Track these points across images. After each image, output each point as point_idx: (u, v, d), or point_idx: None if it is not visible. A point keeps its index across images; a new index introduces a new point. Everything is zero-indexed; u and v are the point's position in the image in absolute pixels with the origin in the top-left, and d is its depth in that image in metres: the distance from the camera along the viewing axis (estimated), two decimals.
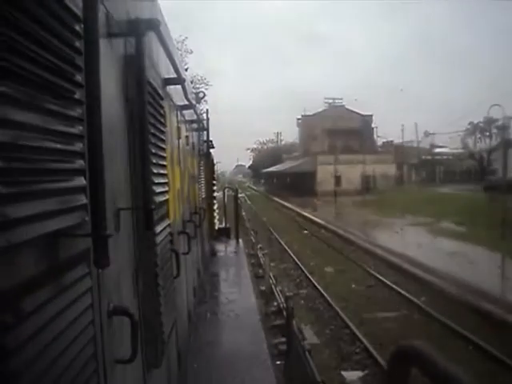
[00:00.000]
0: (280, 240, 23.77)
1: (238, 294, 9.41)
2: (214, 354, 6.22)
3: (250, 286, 10.18)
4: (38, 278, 1.34)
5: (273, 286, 12.26)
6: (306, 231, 27.52)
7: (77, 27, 1.63)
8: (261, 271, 14.47)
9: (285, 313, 8.01)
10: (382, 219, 29.01)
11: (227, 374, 5.66)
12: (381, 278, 15.20)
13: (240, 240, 16.29)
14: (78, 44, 1.65)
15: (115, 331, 2.17)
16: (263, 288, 12.24)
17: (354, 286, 14.66)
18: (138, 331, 2.24)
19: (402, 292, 13.34)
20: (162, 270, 3.26)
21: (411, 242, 20.49)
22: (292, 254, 19.71)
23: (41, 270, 1.37)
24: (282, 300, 10.50)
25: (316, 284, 14.68)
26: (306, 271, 16.55)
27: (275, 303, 11.18)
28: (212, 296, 9.30)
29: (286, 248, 21.33)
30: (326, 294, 13.32)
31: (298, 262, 18.07)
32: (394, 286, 14.01)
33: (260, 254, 16.23)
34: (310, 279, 15.52)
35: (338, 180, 50.97)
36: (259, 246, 17.25)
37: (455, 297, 12.28)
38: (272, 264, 16.38)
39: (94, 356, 1.72)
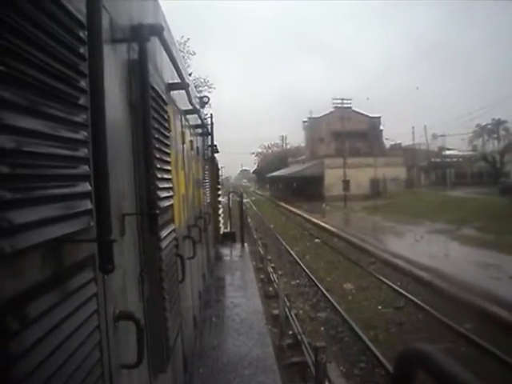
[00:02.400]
0: (290, 250, 21.40)
1: (243, 297, 9.40)
2: (219, 359, 6.21)
3: (256, 290, 10.18)
4: (44, 283, 1.34)
5: (287, 310, 10.10)
6: (317, 240, 24.95)
7: (81, 33, 1.64)
8: (271, 289, 13.05)
9: (314, 371, 6.57)
10: (398, 226, 27.06)
11: (233, 378, 5.65)
12: (410, 296, 12.83)
13: (245, 244, 16.31)
14: (82, 50, 1.66)
15: (121, 336, 2.17)
16: (276, 312, 10.24)
17: (380, 307, 12.39)
18: (143, 336, 2.24)
19: (439, 316, 10.89)
20: (168, 274, 3.27)
21: (436, 251, 18.30)
22: (305, 267, 17.36)
23: (46, 276, 1.37)
24: (300, 329, 9.26)
25: (336, 305, 12.39)
26: (322, 288, 14.28)
27: (290, 332, 9.43)
28: (217, 300, 9.30)
29: (298, 260, 18.97)
30: (349, 319, 11.05)
31: (312, 277, 15.76)
32: (427, 308, 11.61)
33: (270, 269, 14.87)
34: (328, 298, 13.19)
35: (346, 184, 49.03)
36: (269, 257, 15.46)
37: (510, 324, 9.95)
38: (280, 273, 14.23)
39: (99, 361, 1.72)
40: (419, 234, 23.33)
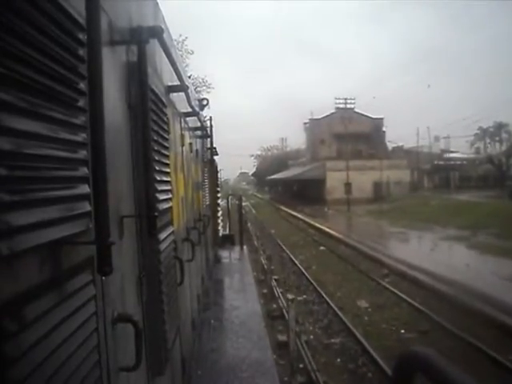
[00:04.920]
0: (294, 259, 19.69)
1: (242, 300, 9.39)
2: (218, 361, 6.20)
3: (255, 293, 10.17)
4: (42, 285, 1.34)
5: (297, 340, 8.46)
6: (322, 247, 23.25)
7: (80, 35, 1.65)
8: (275, 306, 12.04)
9: None
10: (407, 232, 25.67)
11: (231, 381, 5.64)
12: (435, 317, 11.02)
13: (244, 246, 16.31)
14: (81, 52, 1.66)
15: (119, 339, 2.17)
16: (283, 338, 9.09)
17: (402, 331, 10.63)
18: (142, 338, 2.24)
19: (476, 343, 9.19)
20: (166, 277, 3.26)
21: (455, 261, 16.74)
22: (312, 280, 15.63)
23: (44, 278, 1.37)
24: (313, 364, 8.15)
25: (352, 328, 10.58)
26: (333, 306, 12.48)
27: (301, 365, 8.12)
28: (216, 303, 9.29)
29: (303, 270, 17.28)
30: (368, 347, 9.33)
31: (321, 292, 14.01)
32: (458, 333, 9.85)
33: (273, 282, 13.74)
34: (341, 319, 11.39)
35: (348, 187, 47.64)
36: (271, 267, 14.19)
37: None
38: (288, 295, 12.20)
39: (97, 364, 1.72)
40: (432, 241, 22.17)
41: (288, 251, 21.83)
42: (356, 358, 9.19)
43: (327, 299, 13.23)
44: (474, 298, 11.73)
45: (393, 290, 14.12)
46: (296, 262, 19.11)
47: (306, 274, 16.77)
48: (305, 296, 14.08)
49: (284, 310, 10.82)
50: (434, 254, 19.15)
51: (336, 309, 12.24)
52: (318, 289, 14.47)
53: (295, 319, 7.73)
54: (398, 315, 11.81)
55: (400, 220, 29.85)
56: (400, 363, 1.28)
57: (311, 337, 10.42)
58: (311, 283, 15.37)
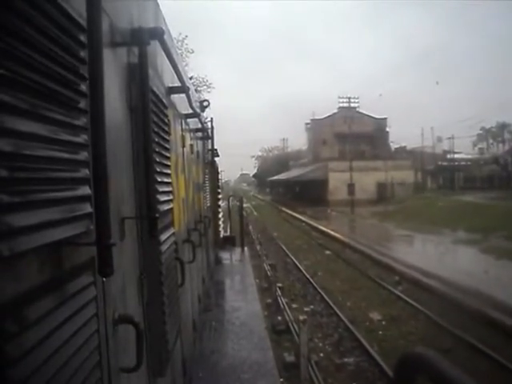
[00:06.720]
0: (298, 264, 18.85)
1: (243, 301, 9.39)
2: (218, 363, 6.20)
3: (255, 294, 10.15)
4: (43, 286, 1.34)
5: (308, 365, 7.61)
6: (327, 251, 22.31)
7: (81, 37, 1.65)
8: (280, 318, 11.21)
9: None
10: (416, 235, 24.86)
11: (232, 382, 5.63)
12: (458, 333, 9.89)
13: (245, 248, 16.28)
14: (82, 53, 1.66)
15: (120, 340, 2.17)
16: (290, 359, 8.33)
17: None
18: (142, 340, 2.24)
19: (509, 366, 8.10)
20: (167, 278, 3.26)
21: (470, 267, 15.54)
22: (319, 289, 14.64)
23: (45, 279, 1.37)
24: None
25: (366, 345, 9.60)
26: (343, 318, 11.46)
27: None
28: (217, 304, 9.28)
29: (309, 278, 16.34)
30: (385, 367, 8.24)
31: (330, 302, 12.97)
32: (489, 352, 8.73)
33: (278, 291, 12.84)
34: (353, 334, 10.39)
35: (351, 188, 46.91)
36: (277, 274, 13.73)
37: None
38: (293, 305, 12.41)
39: (98, 365, 1.72)
40: (443, 244, 21.39)
41: (292, 256, 20.94)
42: (374, 382, 8.19)
43: (336, 310, 12.26)
44: (498, 309, 10.68)
45: (407, 299, 13.09)
46: (301, 267, 18.27)
47: (311, 281, 15.94)
48: (312, 306, 13.15)
49: (290, 324, 10.43)
50: (447, 258, 18.31)
51: (346, 321, 11.27)
52: (326, 298, 13.53)
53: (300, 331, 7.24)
54: (415, 329, 10.88)
55: (406, 222, 29.09)
56: (401, 364, 1.28)
57: (321, 355, 9.46)
58: (318, 292, 14.47)
